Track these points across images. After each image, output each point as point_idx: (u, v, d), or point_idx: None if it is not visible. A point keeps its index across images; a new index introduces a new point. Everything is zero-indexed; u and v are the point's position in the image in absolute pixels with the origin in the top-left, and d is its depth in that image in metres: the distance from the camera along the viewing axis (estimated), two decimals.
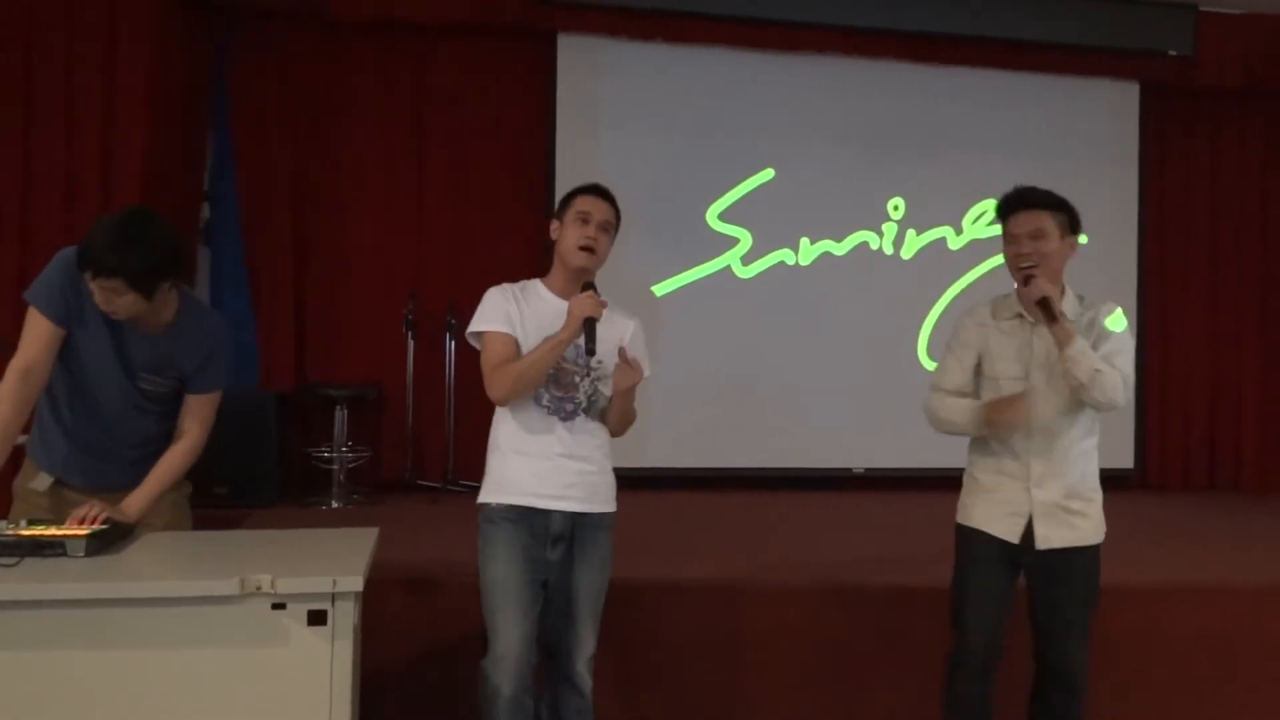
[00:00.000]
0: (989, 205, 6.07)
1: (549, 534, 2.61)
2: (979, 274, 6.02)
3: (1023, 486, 2.70)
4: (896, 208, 6.02)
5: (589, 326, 2.56)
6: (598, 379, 2.65)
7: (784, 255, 5.94)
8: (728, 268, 5.90)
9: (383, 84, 5.70)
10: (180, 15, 5.14)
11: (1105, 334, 2.67)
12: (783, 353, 5.89)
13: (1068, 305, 2.69)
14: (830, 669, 3.33)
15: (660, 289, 5.82)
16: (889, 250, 6.00)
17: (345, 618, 2.24)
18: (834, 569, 3.68)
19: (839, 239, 5.98)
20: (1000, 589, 2.74)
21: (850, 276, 5.93)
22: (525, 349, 2.60)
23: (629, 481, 5.47)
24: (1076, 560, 2.69)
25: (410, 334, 5.45)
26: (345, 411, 5.25)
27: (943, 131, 6.07)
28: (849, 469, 5.93)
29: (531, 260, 5.69)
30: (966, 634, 2.75)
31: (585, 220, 2.63)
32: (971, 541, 2.77)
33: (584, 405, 2.65)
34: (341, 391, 5.21)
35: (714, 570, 3.59)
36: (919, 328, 5.95)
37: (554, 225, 2.71)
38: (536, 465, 2.61)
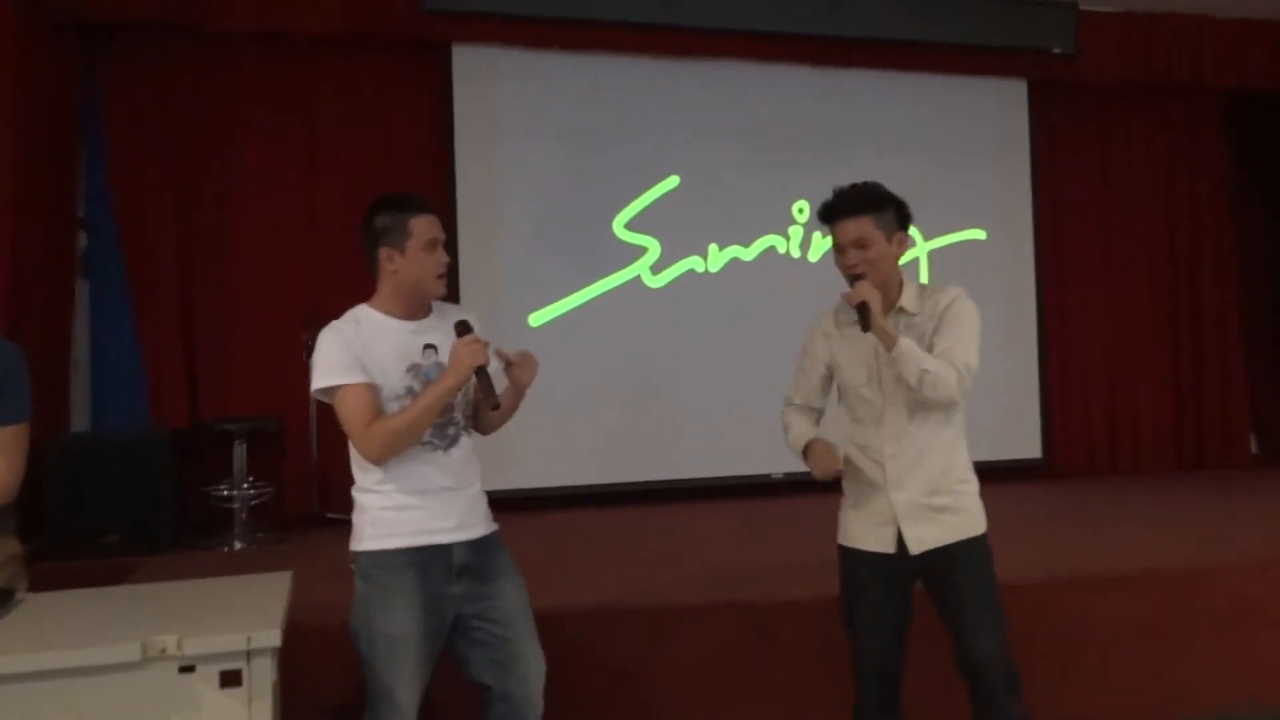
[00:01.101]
0: None
1: (451, 569, 2.42)
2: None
3: (883, 493, 2.60)
4: (802, 210, 6.03)
5: (483, 378, 2.35)
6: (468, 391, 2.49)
7: (693, 262, 5.89)
8: (637, 277, 5.81)
9: (269, 100, 5.45)
10: (47, 37, 4.81)
11: (946, 324, 2.57)
12: (697, 361, 5.83)
13: (908, 300, 2.61)
14: (761, 687, 3.25)
15: (569, 302, 5.69)
16: (796, 253, 5.99)
17: (262, 677, 2.06)
18: (766, 579, 3.61)
19: (747, 244, 5.95)
20: (887, 604, 2.63)
21: (760, 281, 5.90)
22: (384, 390, 2.37)
23: (543, 502, 5.45)
24: (960, 554, 2.57)
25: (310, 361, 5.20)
26: (244, 446, 4.97)
27: (843, 133, 6.11)
28: (768, 475, 5.89)
29: None
30: (858, 656, 2.67)
31: (434, 246, 2.42)
32: (849, 561, 2.68)
33: (462, 426, 2.48)
34: (239, 425, 4.93)
35: (644, 592, 3.48)
36: None
37: (386, 253, 2.41)
38: (425, 502, 2.41)
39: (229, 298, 5.36)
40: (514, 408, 2.54)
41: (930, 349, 2.55)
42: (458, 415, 2.46)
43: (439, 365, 2.42)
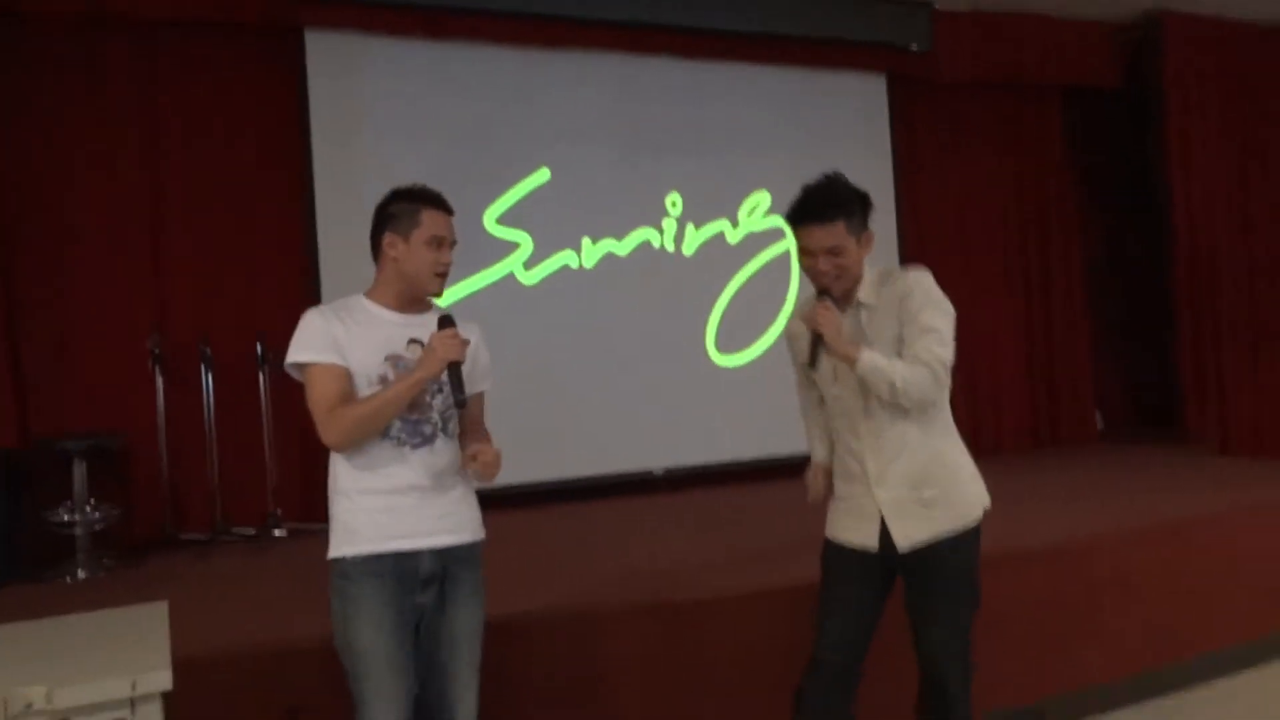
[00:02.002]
0: (761, 198, 6.17)
1: (418, 577, 2.28)
2: (758, 265, 6.07)
3: (868, 490, 2.55)
4: (675, 204, 5.97)
5: (454, 373, 2.25)
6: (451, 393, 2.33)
7: (567, 258, 5.73)
8: (510, 274, 5.61)
9: (102, 89, 4.95)
10: None
11: (912, 315, 2.47)
12: (573, 359, 5.68)
13: (866, 291, 2.53)
14: (681, 686, 3.15)
15: (440, 301, 5.43)
16: (670, 247, 5.92)
17: None
18: (659, 579, 3.51)
19: (620, 238, 5.84)
20: (858, 599, 2.57)
21: (635, 276, 5.80)
22: (358, 377, 2.26)
23: None
24: (947, 551, 2.52)
25: (158, 371, 4.78)
26: (84, 466, 4.52)
27: (712, 126, 6.07)
28: (649, 471, 5.80)
29: (293, 282, 5.18)
30: (819, 642, 2.60)
31: (440, 244, 2.36)
32: (830, 552, 2.64)
33: (440, 425, 2.33)
34: (79, 444, 4.47)
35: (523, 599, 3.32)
36: (706, 323, 5.91)
37: (390, 238, 2.35)
38: (393, 503, 2.28)
39: (60, 299, 4.84)
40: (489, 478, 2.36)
41: (900, 341, 2.47)
42: (435, 415, 2.32)
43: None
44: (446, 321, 2.28)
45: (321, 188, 5.25)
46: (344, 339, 2.27)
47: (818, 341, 2.45)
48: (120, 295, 4.91)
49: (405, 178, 5.23)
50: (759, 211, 6.15)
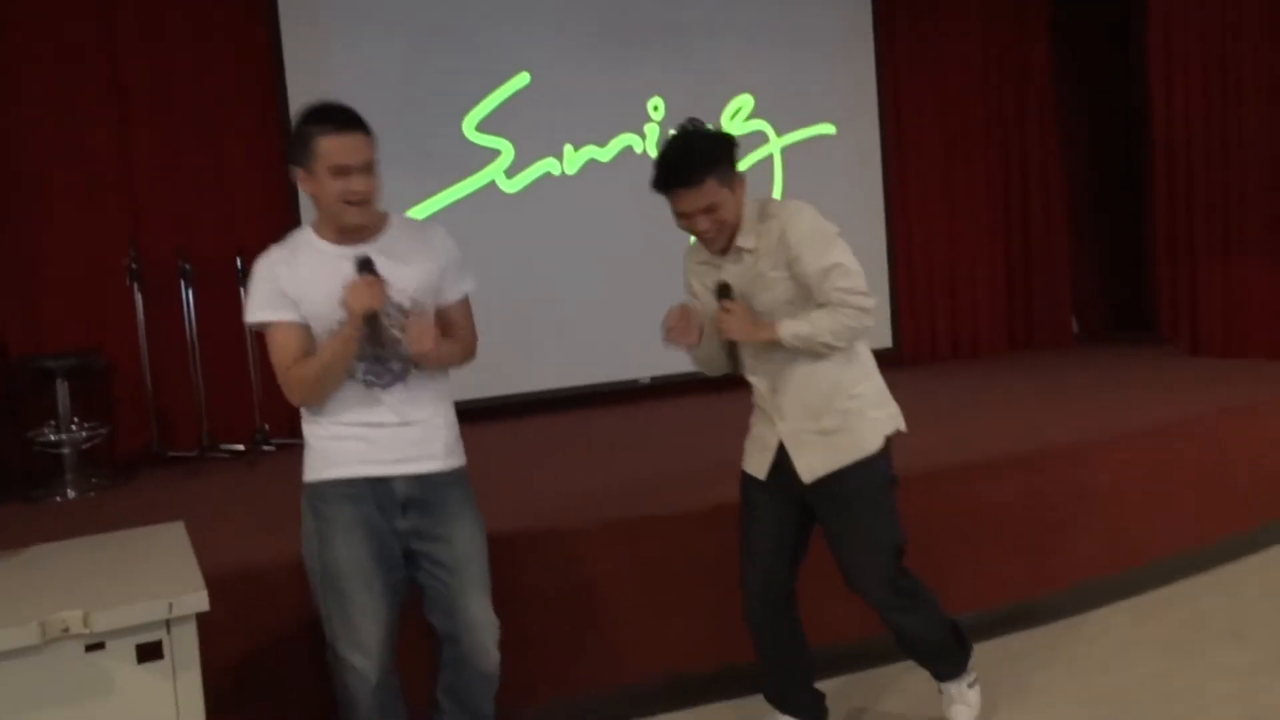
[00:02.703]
0: (744, 101, 6.07)
1: (395, 500, 2.27)
2: (741, 169, 5.98)
3: (770, 422, 2.58)
4: (656, 108, 5.84)
5: (372, 324, 2.13)
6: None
7: (549, 165, 5.62)
8: (492, 182, 5.50)
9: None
10: None
11: (801, 253, 2.41)
12: (557, 267, 5.61)
13: (746, 235, 2.46)
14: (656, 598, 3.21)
15: (421, 210, 5.33)
16: (654, 153, 5.75)
17: (187, 646, 1.81)
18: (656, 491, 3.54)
19: (603, 144, 5.72)
20: (775, 516, 2.62)
21: (618, 182, 5.69)
22: (316, 318, 2.19)
23: None
24: (850, 479, 2.53)
25: (137, 288, 4.67)
26: (67, 385, 4.44)
27: (693, 26, 5.90)
28: (635, 380, 5.81)
29: (272, 190, 5.04)
30: (742, 579, 2.68)
31: (345, 172, 2.15)
32: (743, 484, 2.69)
33: (404, 368, 2.27)
34: (61, 362, 4.38)
35: (534, 511, 3.34)
36: None
37: (296, 172, 2.20)
38: (366, 434, 2.25)
39: (30, 222, 4.68)
40: (443, 363, 2.33)
41: (790, 274, 2.43)
42: (405, 349, 2.24)
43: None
44: (365, 265, 2.13)
45: (295, 95, 5.07)
46: (294, 288, 2.19)
47: (733, 347, 2.46)
48: (91, 214, 4.75)
49: (381, 83, 5.19)
50: (742, 115, 6.04)
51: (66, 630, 1.69)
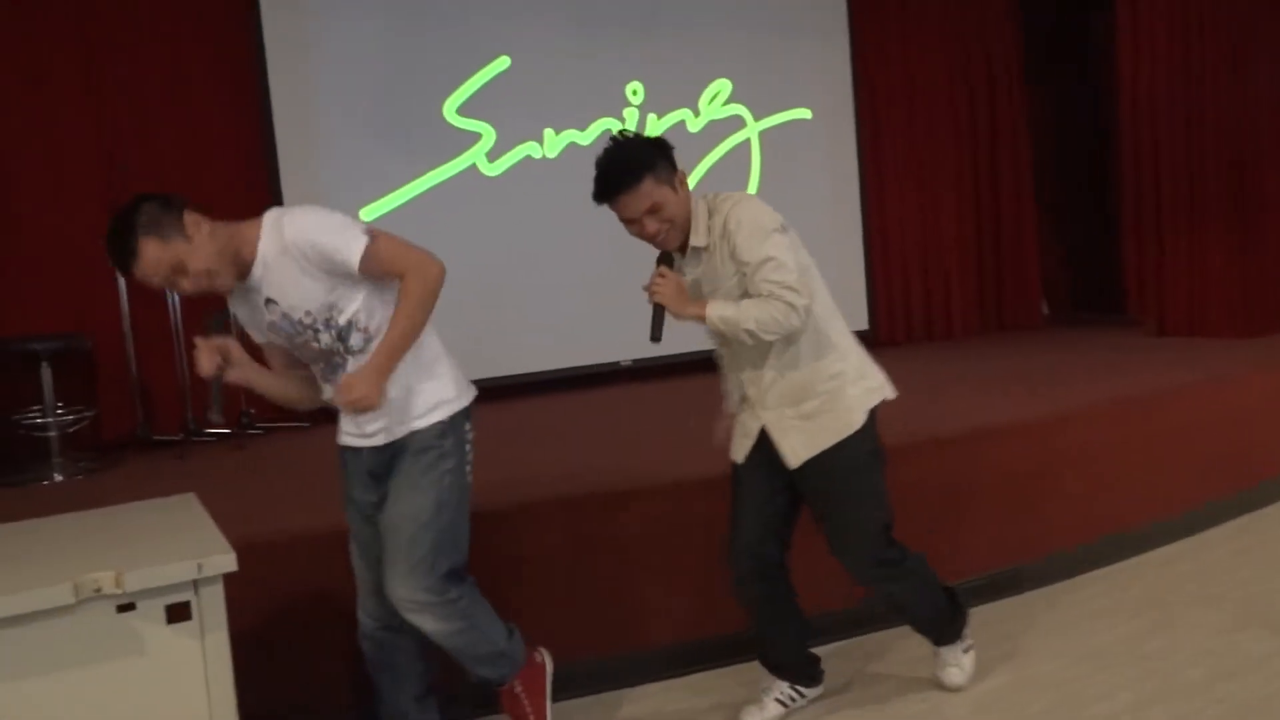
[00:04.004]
0: (722, 86, 6.13)
1: (365, 471, 2.41)
2: (719, 155, 6.05)
3: (752, 412, 2.65)
4: (636, 93, 5.89)
5: None
6: (325, 320, 2.29)
7: (529, 149, 5.65)
8: (473, 166, 5.53)
9: None
10: None
11: (739, 246, 2.44)
12: (538, 251, 5.65)
13: (699, 233, 2.50)
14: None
15: (403, 194, 5.35)
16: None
17: (214, 606, 1.85)
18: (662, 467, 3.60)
19: (583, 128, 5.76)
20: (755, 506, 2.68)
21: None
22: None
23: None
24: (833, 458, 2.58)
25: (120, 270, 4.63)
26: (51, 368, 4.41)
27: (672, 11, 5.96)
28: (616, 362, 5.87)
29: (251, 177, 5.03)
30: (730, 538, 2.74)
31: (175, 284, 2.22)
32: (732, 472, 2.74)
33: (343, 353, 2.32)
34: (46, 345, 4.36)
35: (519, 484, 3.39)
36: None
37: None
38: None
39: (4, 199, 4.64)
40: (412, 323, 2.32)
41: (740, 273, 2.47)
42: (334, 351, 2.32)
43: (284, 317, 2.29)
44: (216, 324, 2.35)
45: (276, 82, 5.07)
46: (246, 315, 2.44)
47: (659, 313, 2.47)
48: (68, 195, 4.72)
49: (362, 67, 5.19)
50: (719, 100, 6.11)
51: (99, 590, 1.73)
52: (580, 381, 5.77)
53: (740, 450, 2.70)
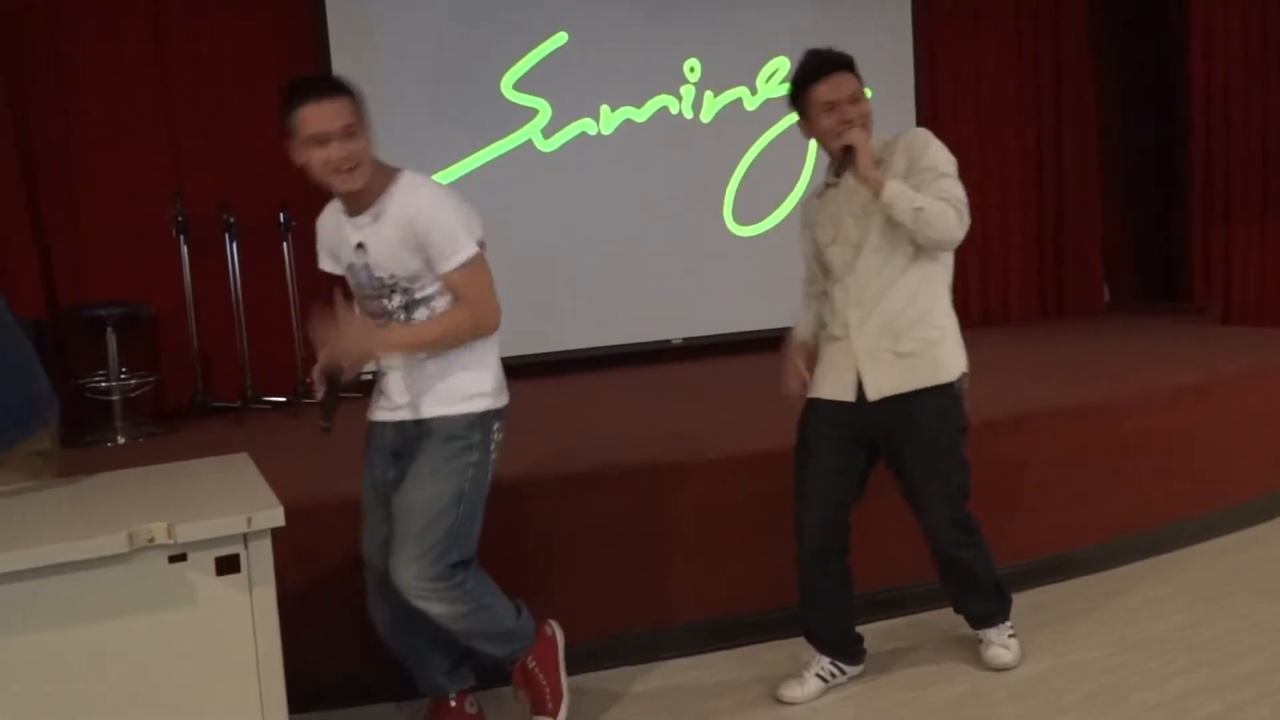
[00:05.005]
0: (780, 64, 6.06)
1: (383, 448, 2.44)
2: (776, 133, 5.98)
3: (847, 343, 2.62)
4: (693, 69, 5.86)
5: (330, 387, 2.25)
6: (404, 289, 2.34)
7: (585, 125, 5.66)
8: (529, 141, 5.55)
9: None
10: None
11: (921, 166, 2.55)
12: (591, 227, 5.65)
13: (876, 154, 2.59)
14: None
15: (459, 169, 5.39)
16: (689, 114, 5.84)
17: (262, 560, 1.89)
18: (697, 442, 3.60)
19: (639, 104, 5.75)
20: (835, 459, 2.65)
21: (653, 143, 5.73)
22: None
23: None
24: (916, 414, 2.58)
25: (183, 240, 4.75)
26: (115, 335, 4.54)
27: None
28: (667, 340, 5.87)
29: None
30: (800, 512, 2.72)
31: (323, 141, 2.15)
32: (808, 412, 2.73)
33: (399, 307, 2.36)
34: (111, 311, 4.48)
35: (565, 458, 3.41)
36: (724, 192, 5.88)
37: (289, 145, 2.21)
38: (381, 379, 2.46)
39: (78, 173, 4.78)
40: (445, 338, 2.34)
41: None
42: (392, 311, 2.36)
43: (366, 268, 2.33)
44: (330, 384, 2.24)
45: (339, 58, 5.14)
46: (334, 244, 2.43)
47: (850, 156, 2.51)
48: (136, 166, 4.84)
49: (422, 41, 5.23)
50: (777, 78, 6.05)
51: (152, 540, 1.78)
52: (630, 358, 5.78)
53: (834, 385, 2.64)
